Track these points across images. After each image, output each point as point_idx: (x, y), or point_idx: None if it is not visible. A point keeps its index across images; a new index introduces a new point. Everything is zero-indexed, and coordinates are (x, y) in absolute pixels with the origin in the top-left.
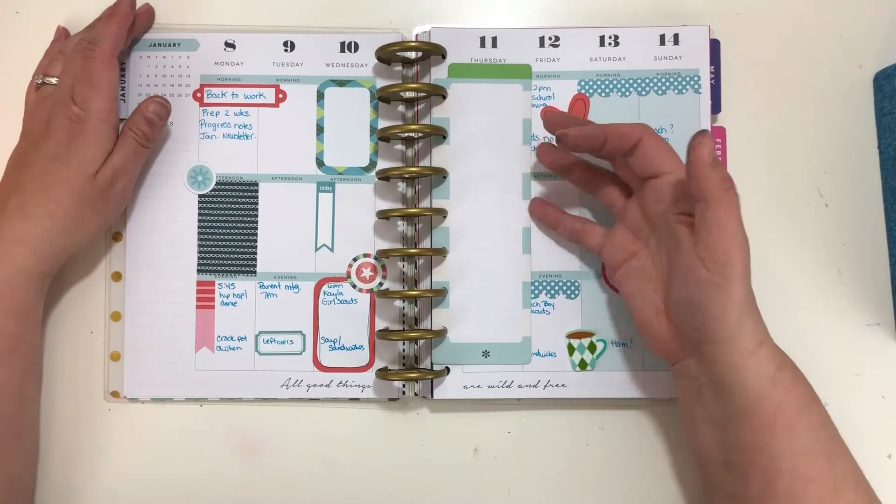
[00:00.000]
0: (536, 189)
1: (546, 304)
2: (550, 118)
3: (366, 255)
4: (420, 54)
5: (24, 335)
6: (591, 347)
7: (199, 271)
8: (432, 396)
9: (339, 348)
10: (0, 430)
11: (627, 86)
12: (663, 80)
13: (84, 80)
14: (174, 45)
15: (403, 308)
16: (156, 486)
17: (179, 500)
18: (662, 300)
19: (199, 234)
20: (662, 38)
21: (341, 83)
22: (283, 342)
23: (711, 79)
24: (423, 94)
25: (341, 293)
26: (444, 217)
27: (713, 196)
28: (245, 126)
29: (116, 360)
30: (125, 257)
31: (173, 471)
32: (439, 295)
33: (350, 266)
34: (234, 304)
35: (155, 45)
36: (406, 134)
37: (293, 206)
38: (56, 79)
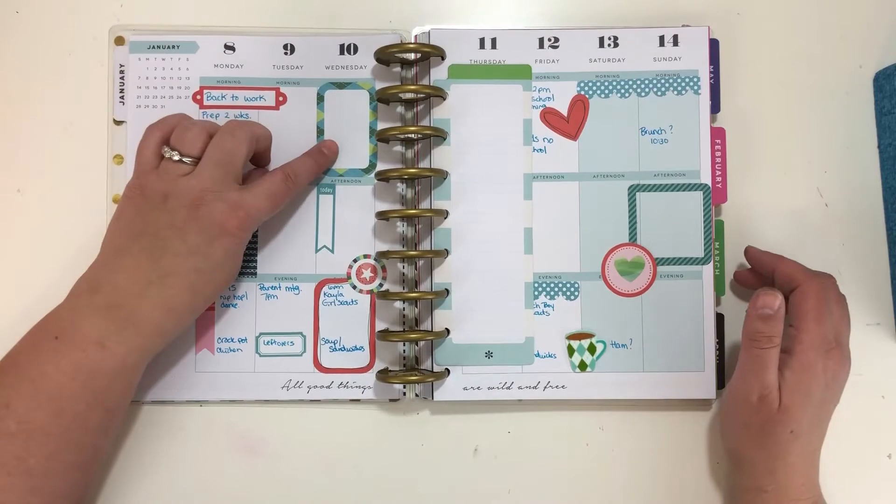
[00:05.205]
0: (537, 190)
1: (546, 305)
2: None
3: (366, 257)
4: (419, 56)
5: (111, 425)
6: (591, 349)
7: None
8: (433, 398)
9: (340, 349)
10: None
11: (627, 87)
12: (663, 81)
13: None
14: (173, 47)
15: (404, 309)
16: (156, 488)
17: (180, 501)
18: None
19: None
20: (662, 39)
21: (341, 85)
22: (283, 343)
23: (711, 79)
24: (422, 96)
25: (341, 294)
26: (445, 217)
27: (744, 339)
28: None
29: None
30: None
31: (174, 473)
32: (439, 297)
33: (350, 267)
34: (234, 305)
35: (154, 47)
36: (405, 135)
37: (293, 208)
38: (191, 159)
